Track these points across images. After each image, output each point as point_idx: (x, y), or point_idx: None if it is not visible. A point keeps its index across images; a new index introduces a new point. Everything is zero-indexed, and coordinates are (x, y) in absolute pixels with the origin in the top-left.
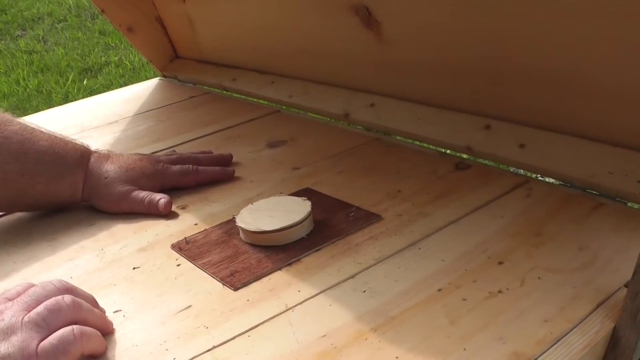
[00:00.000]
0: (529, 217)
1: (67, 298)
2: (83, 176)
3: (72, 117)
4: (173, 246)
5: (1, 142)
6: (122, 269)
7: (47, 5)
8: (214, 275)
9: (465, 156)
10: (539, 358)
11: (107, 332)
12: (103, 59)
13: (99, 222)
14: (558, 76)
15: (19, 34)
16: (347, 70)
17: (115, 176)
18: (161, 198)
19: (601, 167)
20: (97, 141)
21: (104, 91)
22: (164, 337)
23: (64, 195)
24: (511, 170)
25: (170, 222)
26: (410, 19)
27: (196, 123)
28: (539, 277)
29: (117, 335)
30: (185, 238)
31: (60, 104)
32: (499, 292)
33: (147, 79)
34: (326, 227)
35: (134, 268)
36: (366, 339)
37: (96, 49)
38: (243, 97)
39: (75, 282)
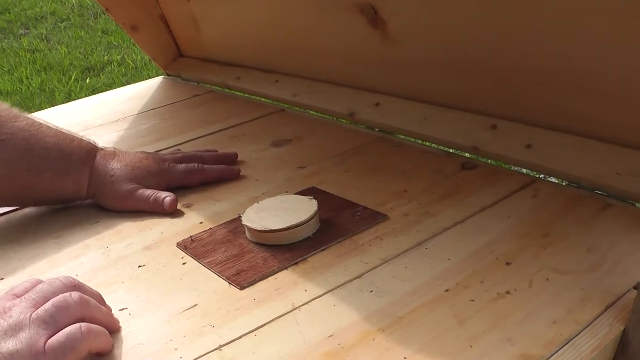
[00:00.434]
0: (536, 217)
1: (75, 295)
2: (88, 173)
3: (75, 115)
4: (178, 244)
5: (8, 138)
6: (128, 267)
7: (50, 4)
8: (219, 274)
9: (469, 155)
10: None
11: (113, 329)
12: (105, 57)
13: (104, 220)
14: (565, 76)
15: (22, 32)
16: (352, 69)
17: (121, 174)
18: (167, 196)
19: (609, 167)
20: (101, 139)
21: (106, 90)
22: (169, 336)
23: (69, 192)
24: (523, 170)
25: (176, 221)
26: (416, 18)
27: (200, 122)
28: (547, 278)
29: (123, 333)
30: (190, 236)
31: (63, 103)
32: (507, 293)
33: (150, 77)
34: (332, 227)
35: (139, 266)
36: (373, 339)
37: (99, 48)
38: (247, 95)
39: (81, 280)
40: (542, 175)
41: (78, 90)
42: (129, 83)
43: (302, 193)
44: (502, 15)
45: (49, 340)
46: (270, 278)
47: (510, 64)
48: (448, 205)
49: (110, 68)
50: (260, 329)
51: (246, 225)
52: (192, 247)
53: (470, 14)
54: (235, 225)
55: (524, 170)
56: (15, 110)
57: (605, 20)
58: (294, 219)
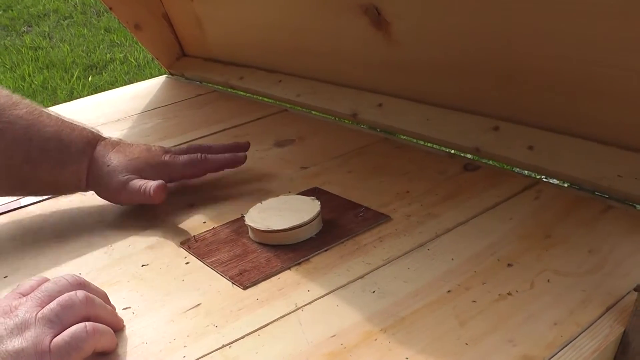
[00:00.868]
0: (538, 219)
1: (80, 294)
2: (87, 164)
3: (78, 114)
4: (182, 244)
5: (6, 127)
6: (131, 266)
7: (53, 2)
8: (223, 273)
9: (471, 157)
10: None
11: (118, 328)
12: (108, 56)
13: (107, 218)
14: (567, 77)
15: (25, 30)
16: (355, 69)
17: (117, 164)
18: (153, 184)
19: (610, 169)
20: None
21: (108, 88)
22: (173, 335)
23: (68, 183)
24: (525, 172)
25: (179, 220)
26: (419, 19)
27: (203, 121)
28: (548, 280)
29: (127, 332)
30: (194, 236)
31: (65, 100)
32: (509, 294)
33: (152, 76)
34: (335, 227)
35: (142, 265)
36: (376, 339)
37: (101, 46)
38: (250, 95)
39: (84, 279)
40: (544, 177)
41: (80, 88)
42: (131, 81)
43: (305, 193)
44: (504, 17)
45: (55, 339)
46: (274, 278)
47: (513, 65)
48: (450, 206)
49: (112, 66)
50: (264, 329)
51: (249, 226)
52: (195, 246)
53: (473, 16)
54: (238, 225)
55: (526, 172)
56: (15, 97)
57: (605, 20)
58: (297, 219)
